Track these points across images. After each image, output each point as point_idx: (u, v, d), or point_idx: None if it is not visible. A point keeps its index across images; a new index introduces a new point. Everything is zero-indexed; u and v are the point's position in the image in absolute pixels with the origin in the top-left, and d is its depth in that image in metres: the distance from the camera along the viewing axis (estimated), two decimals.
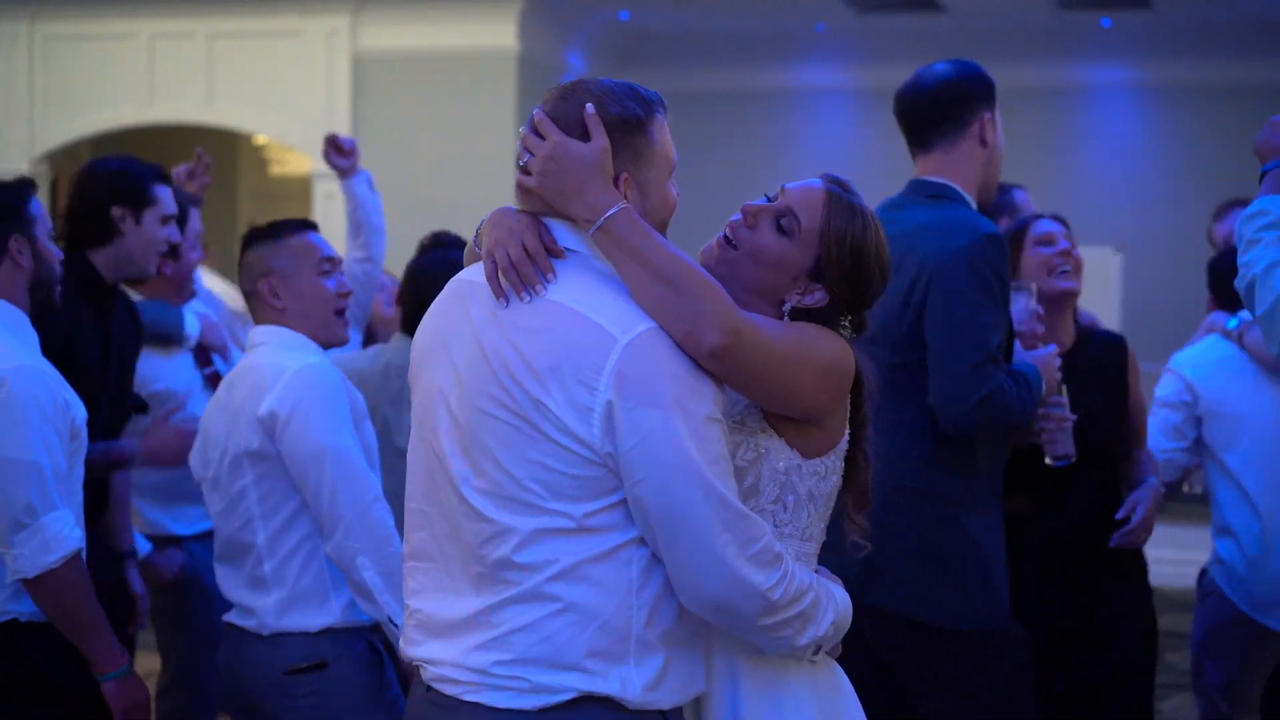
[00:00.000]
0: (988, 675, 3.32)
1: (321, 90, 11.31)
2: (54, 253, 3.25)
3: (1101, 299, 10.25)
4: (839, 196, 2.38)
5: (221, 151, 13.60)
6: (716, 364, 2.15)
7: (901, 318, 3.24)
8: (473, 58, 11.13)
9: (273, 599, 3.17)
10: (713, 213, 2.47)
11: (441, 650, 2.20)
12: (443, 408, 2.22)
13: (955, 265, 3.22)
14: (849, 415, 2.37)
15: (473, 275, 2.29)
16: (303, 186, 12.04)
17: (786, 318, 2.36)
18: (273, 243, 3.35)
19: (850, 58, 12.97)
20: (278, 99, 11.37)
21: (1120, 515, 3.76)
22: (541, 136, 2.20)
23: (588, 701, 2.13)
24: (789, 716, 2.31)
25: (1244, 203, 4.79)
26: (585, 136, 2.18)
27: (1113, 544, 3.76)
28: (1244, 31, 11.96)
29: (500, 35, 11.11)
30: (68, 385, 3.14)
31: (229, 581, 3.26)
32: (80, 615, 3.03)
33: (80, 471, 3.19)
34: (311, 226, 3.44)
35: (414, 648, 2.27)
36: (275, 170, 14.01)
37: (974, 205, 3.46)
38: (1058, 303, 3.85)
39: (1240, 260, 2.90)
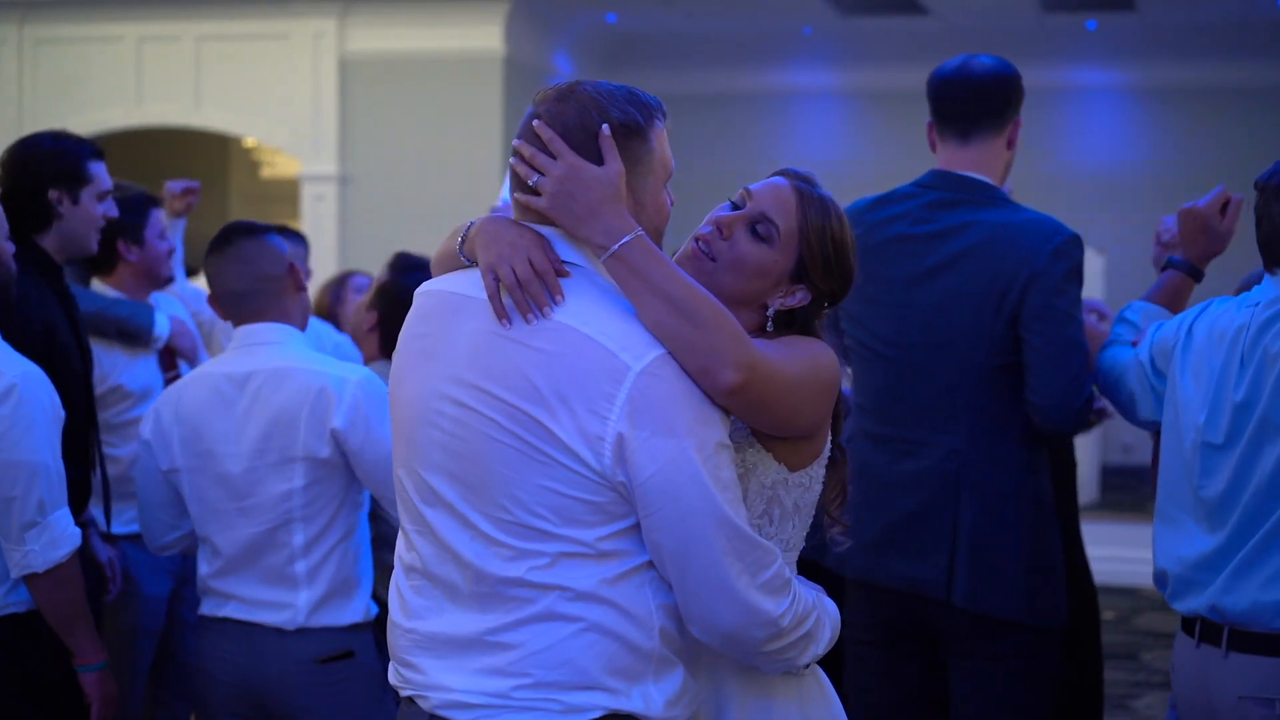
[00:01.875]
0: (1059, 668, 3.40)
1: (308, 93, 11.35)
2: (10, 251, 3.25)
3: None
4: (807, 192, 2.33)
5: (213, 154, 13.65)
6: (731, 400, 2.09)
7: (995, 321, 3.25)
8: (459, 60, 11.18)
9: (305, 596, 3.23)
10: (698, 216, 2.43)
11: (447, 676, 2.14)
12: (431, 427, 2.15)
13: (1054, 268, 3.23)
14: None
15: (462, 288, 2.20)
16: (293, 189, 12.08)
17: (770, 322, 2.32)
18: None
19: (836, 60, 13.05)
20: (265, 102, 11.41)
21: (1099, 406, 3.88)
22: (550, 154, 2.12)
23: (614, 718, 2.10)
24: None
25: None
26: (592, 147, 2.11)
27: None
28: (1228, 33, 12.04)
29: (487, 38, 11.16)
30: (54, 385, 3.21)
31: (243, 579, 3.25)
32: (74, 609, 3.17)
33: None
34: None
35: (412, 672, 2.18)
36: (266, 172, 14.05)
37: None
38: None
39: (1105, 345, 3.33)
